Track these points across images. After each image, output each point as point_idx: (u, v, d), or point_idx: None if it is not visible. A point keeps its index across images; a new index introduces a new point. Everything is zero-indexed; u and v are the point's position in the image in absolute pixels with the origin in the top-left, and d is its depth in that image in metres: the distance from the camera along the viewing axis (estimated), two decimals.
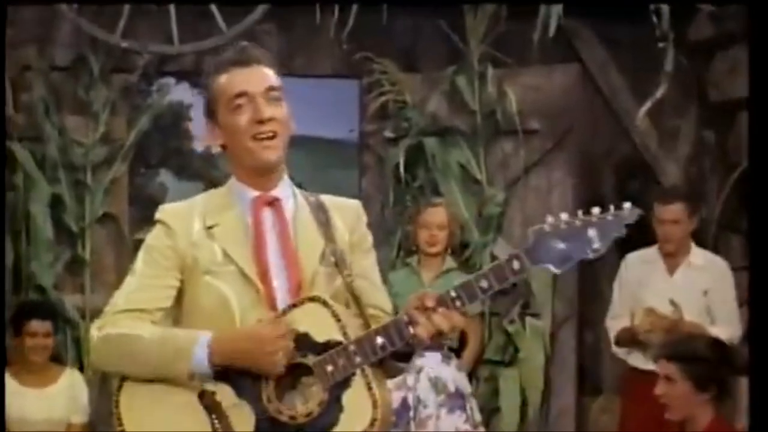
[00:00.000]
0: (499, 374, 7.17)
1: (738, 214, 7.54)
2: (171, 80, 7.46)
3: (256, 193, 3.20)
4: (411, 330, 3.01)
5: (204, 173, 7.40)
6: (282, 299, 3.13)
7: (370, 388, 3.00)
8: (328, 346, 3.02)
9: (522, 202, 7.35)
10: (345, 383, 3.01)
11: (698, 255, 6.47)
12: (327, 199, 3.30)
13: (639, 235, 7.24)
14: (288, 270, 3.14)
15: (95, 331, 3.16)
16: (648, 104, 7.10)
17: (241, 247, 3.16)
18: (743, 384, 5.43)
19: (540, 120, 7.30)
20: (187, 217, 3.21)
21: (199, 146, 7.30)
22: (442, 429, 6.37)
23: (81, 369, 6.90)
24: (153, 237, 3.23)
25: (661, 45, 6.94)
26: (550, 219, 3.03)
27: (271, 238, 3.18)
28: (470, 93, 7.35)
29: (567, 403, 7.23)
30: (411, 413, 6.41)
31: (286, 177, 3.26)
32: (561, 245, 3.00)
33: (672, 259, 6.43)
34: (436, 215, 6.78)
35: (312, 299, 3.06)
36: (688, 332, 4.78)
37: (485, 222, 7.30)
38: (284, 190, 3.24)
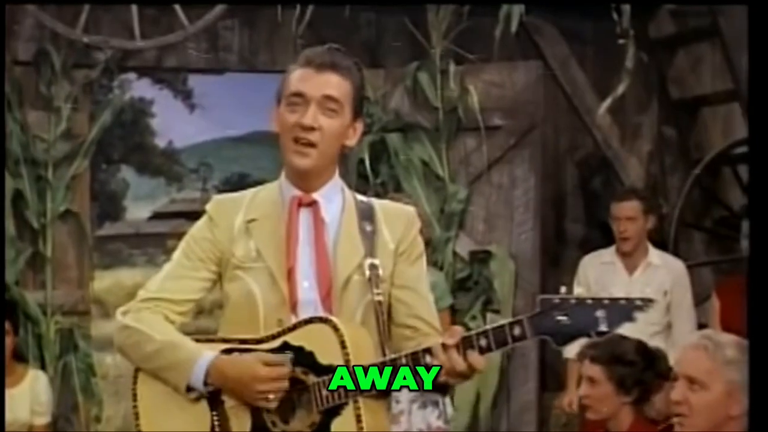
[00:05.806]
0: None
1: (699, 211, 7.59)
2: (133, 76, 7.41)
3: (296, 193, 3.18)
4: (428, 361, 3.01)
5: (166, 169, 7.39)
6: (310, 301, 3.13)
7: (359, 420, 3.00)
8: (329, 369, 3.02)
9: (484, 199, 7.36)
10: (337, 410, 3.02)
11: (656, 255, 6.52)
12: (380, 205, 3.27)
13: (600, 237, 7.35)
14: (319, 273, 3.13)
15: (119, 316, 3.20)
16: (609, 101, 7.12)
17: (273, 244, 3.16)
18: None
19: (502, 116, 7.30)
20: (232, 210, 3.23)
21: None
22: (414, 424, 6.34)
23: (43, 366, 6.89)
24: (196, 227, 3.27)
25: (621, 42, 6.97)
26: (563, 290, 3.00)
27: (306, 239, 3.16)
28: (432, 89, 7.35)
29: (529, 399, 7.26)
30: None
31: (334, 180, 3.22)
32: (566, 320, 2.94)
33: (629, 259, 6.47)
34: None
35: (324, 320, 3.04)
36: (613, 335, 4.77)
37: (447, 218, 7.31)
38: (328, 193, 3.20)
